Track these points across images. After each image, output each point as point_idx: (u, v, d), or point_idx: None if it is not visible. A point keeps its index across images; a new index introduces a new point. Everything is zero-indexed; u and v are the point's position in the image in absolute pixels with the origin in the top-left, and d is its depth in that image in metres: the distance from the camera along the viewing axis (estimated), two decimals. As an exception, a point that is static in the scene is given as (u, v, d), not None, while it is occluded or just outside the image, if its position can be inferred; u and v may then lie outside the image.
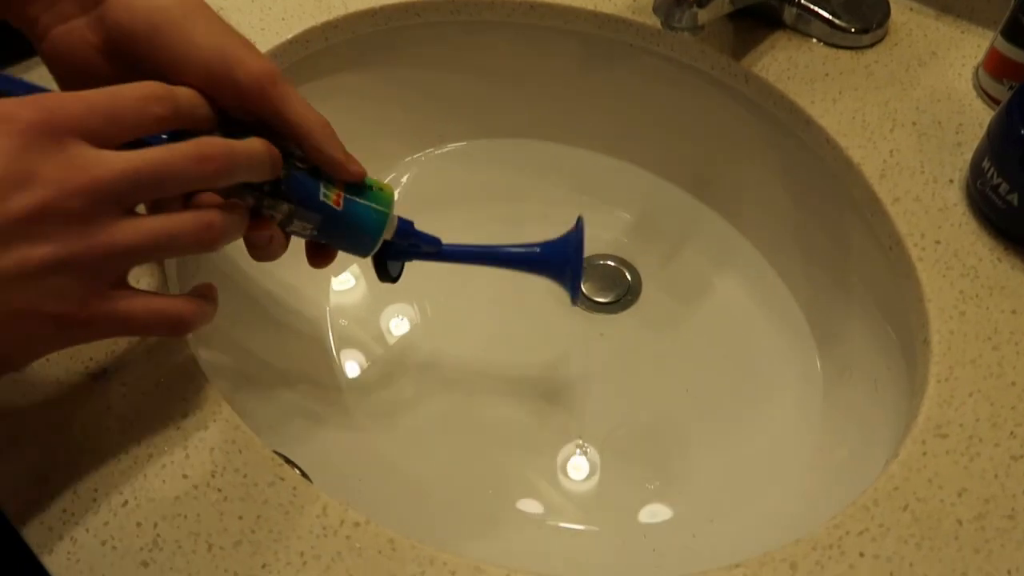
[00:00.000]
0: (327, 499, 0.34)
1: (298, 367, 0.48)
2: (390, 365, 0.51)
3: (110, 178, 0.27)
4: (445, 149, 0.59)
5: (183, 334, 0.32)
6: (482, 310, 0.53)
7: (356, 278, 0.54)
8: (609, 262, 0.55)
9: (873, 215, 0.43)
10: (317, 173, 0.34)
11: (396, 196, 0.37)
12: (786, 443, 0.46)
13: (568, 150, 0.59)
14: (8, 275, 0.26)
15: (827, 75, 0.48)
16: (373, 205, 0.36)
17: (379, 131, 0.56)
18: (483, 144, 0.59)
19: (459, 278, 0.55)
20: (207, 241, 0.30)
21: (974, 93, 0.46)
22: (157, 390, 0.36)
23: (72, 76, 0.34)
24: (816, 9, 0.49)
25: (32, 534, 0.32)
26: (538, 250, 0.42)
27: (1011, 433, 0.35)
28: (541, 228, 0.58)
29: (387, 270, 0.40)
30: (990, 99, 0.45)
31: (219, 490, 0.34)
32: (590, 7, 0.52)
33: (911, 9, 0.52)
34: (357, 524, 0.33)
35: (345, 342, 0.51)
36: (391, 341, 0.52)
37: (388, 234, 0.37)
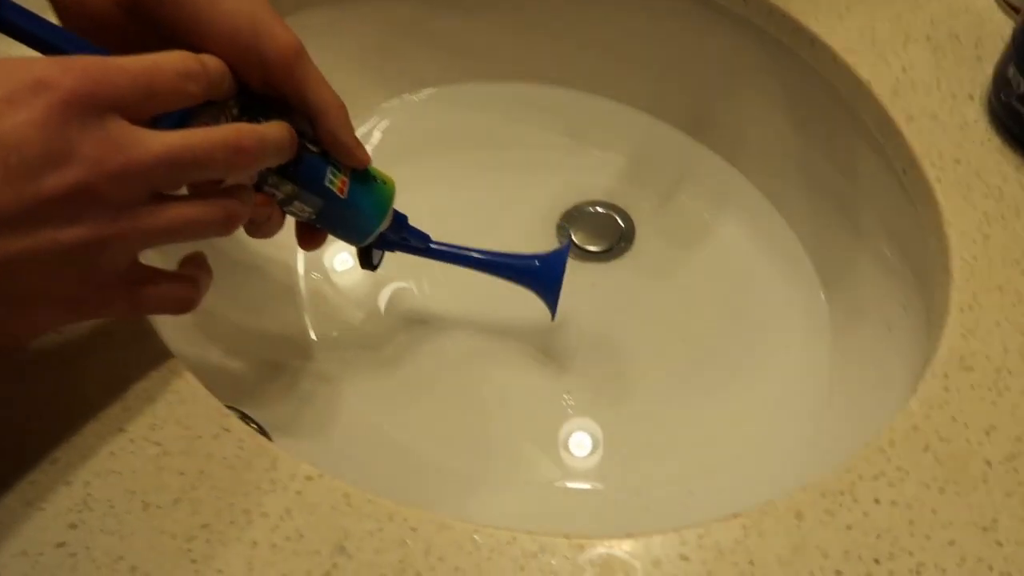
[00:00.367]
0: (277, 452, 0.30)
1: (263, 322, 0.45)
2: (364, 319, 0.47)
3: (149, 161, 0.26)
4: (424, 93, 0.56)
5: (187, 312, 0.31)
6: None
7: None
8: (600, 209, 0.52)
9: (885, 138, 0.39)
10: (326, 157, 0.33)
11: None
12: (791, 393, 0.42)
13: (554, 91, 0.55)
14: (34, 256, 0.24)
15: (832, -10, 0.44)
16: (376, 198, 0.35)
17: (353, 75, 0.52)
18: (464, 88, 0.56)
19: (440, 227, 0.51)
20: (227, 229, 0.30)
21: (995, 6, 0.42)
22: (95, 338, 0.33)
23: (83, 24, 0.31)
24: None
25: (-54, 493, 0.29)
26: (536, 263, 0.42)
27: (1044, 365, 0.31)
28: (526, 176, 0.55)
29: (371, 259, 0.39)
30: (1012, 8, 0.41)
31: (158, 444, 0.30)
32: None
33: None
34: (309, 478, 0.30)
35: (316, 296, 0.47)
36: (365, 294, 0.48)
37: (384, 226, 0.37)
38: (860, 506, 0.28)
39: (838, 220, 0.44)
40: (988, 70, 0.39)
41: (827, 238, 0.45)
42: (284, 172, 0.32)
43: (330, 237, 0.37)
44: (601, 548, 0.28)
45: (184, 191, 0.30)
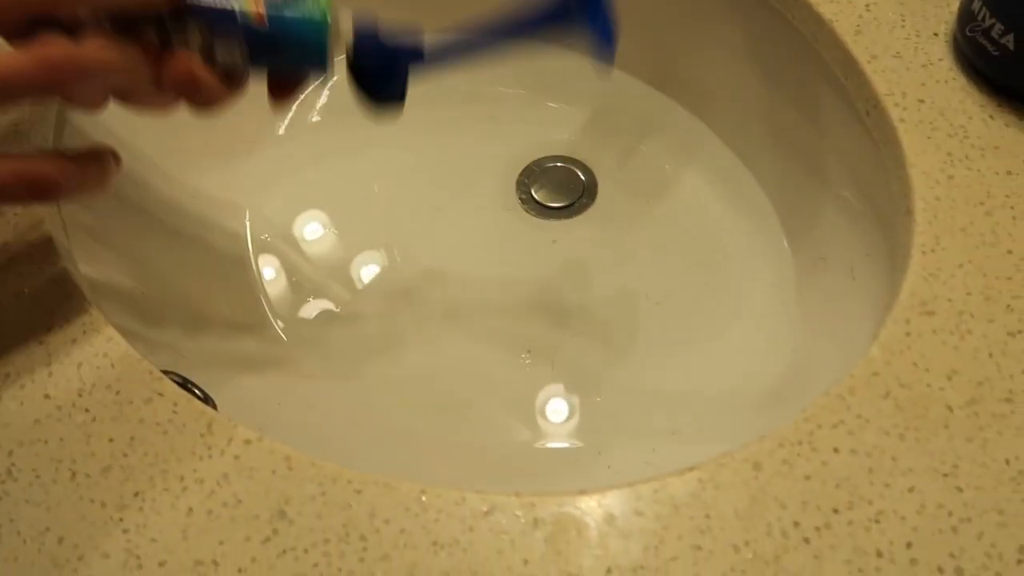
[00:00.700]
0: (213, 415, 0.29)
1: (209, 285, 0.43)
2: (318, 282, 0.45)
3: None
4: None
5: (51, 199, 0.27)
6: (422, 217, 0.48)
7: (277, 184, 0.48)
8: (560, 164, 0.50)
9: (848, 77, 0.37)
10: None
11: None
12: (757, 344, 0.41)
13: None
14: None
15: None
16: (303, 14, 0.29)
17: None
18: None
19: (393, 188, 0.50)
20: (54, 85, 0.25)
21: (961, -59, 0.41)
22: (18, 301, 0.31)
23: None
24: None
25: None
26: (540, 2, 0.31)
27: (1007, 306, 0.30)
28: (483, 131, 0.53)
29: (375, 95, 0.32)
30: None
31: (87, 410, 0.29)
32: None
33: None
34: (248, 442, 0.28)
35: (267, 257, 0.45)
36: (319, 256, 0.46)
37: (340, 46, 0.30)
38: (819, 455, 0.27)
39: (802, 166, 0.43)
40: (953, 7, 0.38)
41: (791, 185, 0.44)
42: (180, 16, 0.27)
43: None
44: (553, 505, 0.27)
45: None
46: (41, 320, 0.31)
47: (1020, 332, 0.29)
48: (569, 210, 0.48)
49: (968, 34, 0.35)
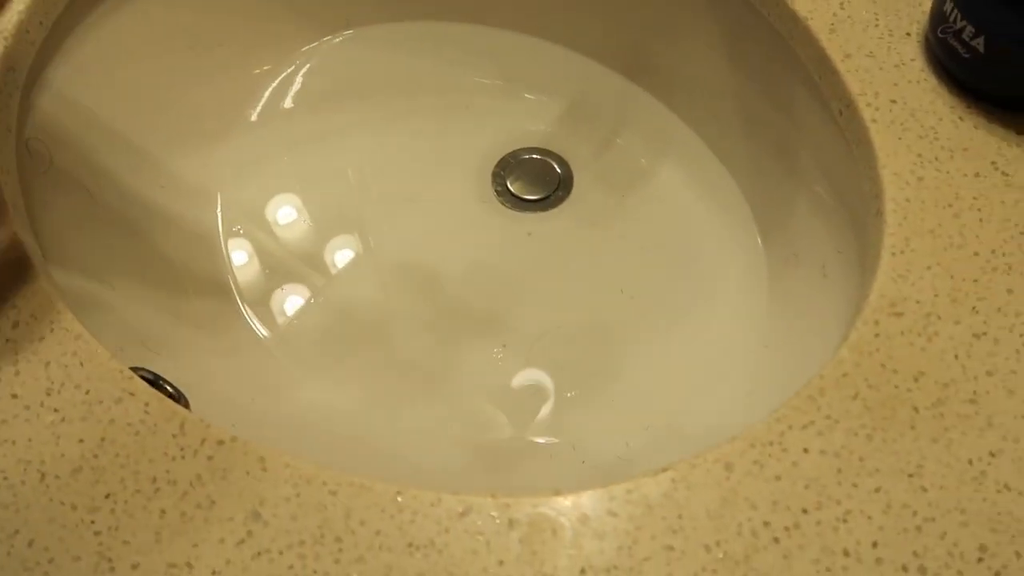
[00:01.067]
0: (186, 415, 0.28)
1: (179, 275, 0.43)
2: (290, 272, 0.45)
3: None
4: (349, 34, 0.53)
5: None
6: (397, 208, 0.48)
7: (249, 172, 0.48)
8: (535, 156, 0.50)
9: (822, 76, 0.37)
10: None
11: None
12: (729, 341, 0.42)
13: (486, 31, 0.52)
14: None
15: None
16: None
17: (271, 13, 0.49)
18: (393, 28, 0.53)
19: (368, 178, 0.49)
20: None
21: (934, -60, 0.41)
22: (-18, 299, 0.31)
23: None
24: None
25: None
26: None
27: (973, 308, 0.31)
28: (458, 122, 0.53)
29: None
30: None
31: (56, 410, 0.28)
32: None
33: None
34: (221, 442, 0.28)
35: (238, 248, 0.45)
36: (291, 245, 0.46)
37: None
38: (789, 456, 0.28)
39: (776, 164, 0.43)
40: (926, 6, 0.38)
41: (765, 182, 0.44)
42: None
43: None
44: (528, 506, 0.27)
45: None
46: (4, 316, 0.30)
47: (985, 334, 0.30)
48: (544, 203, 0.48)
49: (940, 35, 0.35)
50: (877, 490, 0.27)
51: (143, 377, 0.30)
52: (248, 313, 0.43)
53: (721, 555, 0.26)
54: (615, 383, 0.41)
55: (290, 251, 0.46)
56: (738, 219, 0.45)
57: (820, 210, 0.40)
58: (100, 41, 0.42)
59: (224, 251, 0.45)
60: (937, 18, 0.35)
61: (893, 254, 0.32)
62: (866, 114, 0.35)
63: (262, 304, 0.43)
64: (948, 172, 0.34)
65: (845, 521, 0.26)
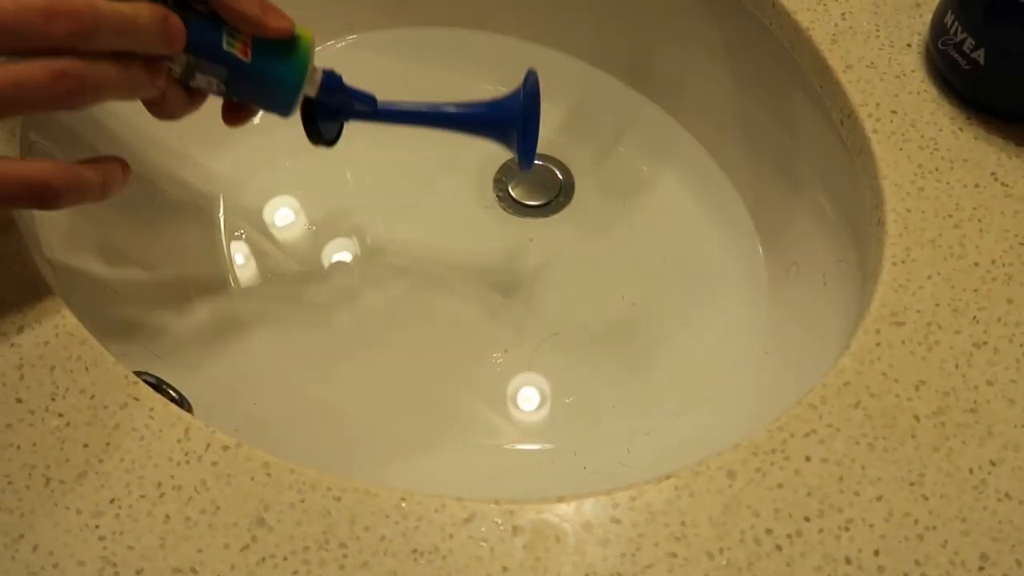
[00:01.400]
0: (190, 421, 0.29)
1: (182, 278, 0.43)
2: (291, 275, 0.45)
3: None
4: (352, 39, 0.53)
5: (53, 206, 0.27)
6: (399, 213, 0.48)
7: (252, 176, 0.48)
8: (537, 162, 0.50)
9: (823, 86, 0.38)
10: (219, 17, 0.29)
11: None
12: (730, 348, 0.42)
13: (489, 37, 0.53)
14: None
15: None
16: (289, 57, 0.31)
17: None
18: (396, 33, 0.53)
19: (371, 183, 0.49)
20: (64, 93, 0.26)
21: (935, -48, 0.41)
22: (-13, 303, 0.31)
23: None
24: None
25: None
26: (484, 109, 0.37)
27: (973, 318, 0.31)
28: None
29: (319, 132, 0.35)
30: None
31: (60, 415, 0.29)
32: None
33: None
34: (226, 448, 0.28)
35: (240, 249, 0.45)
36: (294, 249, 0.46)
37: (311, 90, 0.32)
38: (791, 464, 0.28)
39: (777, 173, 0.44)
40: (927, 17, 0.38)
41: (766, 191, 0.44)
42: None
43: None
44: (532, 512, 0.27)
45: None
46: (10, 320, 0.30)
47: (985, 343, 0.30)
48: (546, 209, 0.49)
49: (940, 47, 0.36)
50: (879, 498, 0.27)
51: (146, 381, 0.30)
52: (250, 317, 0.43)
53: (724, 562, 0.26)
54: (616, 389, 0.42)
55: (292, 255, 0.46)
56: (739, 227, 0.45)
57: (821, 219, 0.40)
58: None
59: (227, 254, 0.45)
60: (938, 30, 0.36)
61: (894, 264, 0.32)
62: (867, 124, 0.35)
63: (264, 308, 0.43)
64: (948, 183, 0.34)
65: (847, 529, 0.27)
